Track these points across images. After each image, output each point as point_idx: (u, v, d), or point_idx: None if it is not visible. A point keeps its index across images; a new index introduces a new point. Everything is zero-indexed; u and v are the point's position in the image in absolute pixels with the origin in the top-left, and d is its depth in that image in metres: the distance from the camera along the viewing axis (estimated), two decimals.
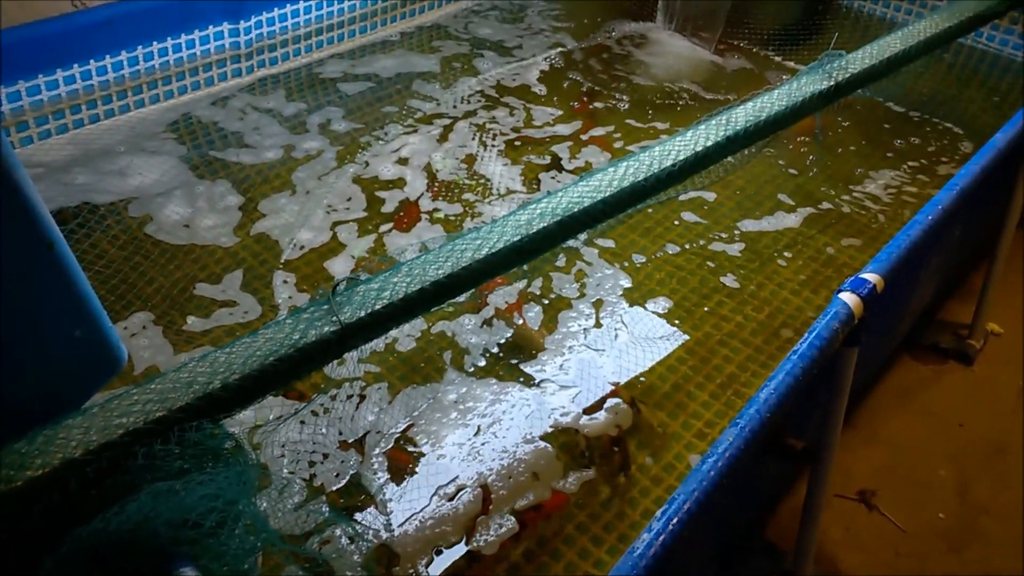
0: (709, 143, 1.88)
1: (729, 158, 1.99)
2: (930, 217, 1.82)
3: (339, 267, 2.73)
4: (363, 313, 1.46)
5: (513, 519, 2.06)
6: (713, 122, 1.94)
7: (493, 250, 1.61)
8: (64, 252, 1.28)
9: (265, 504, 1.68)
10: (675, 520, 1.18)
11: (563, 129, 3.44)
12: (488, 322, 2.56)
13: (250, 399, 1.35)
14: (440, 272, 1.55)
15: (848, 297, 1.55)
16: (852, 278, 1.60)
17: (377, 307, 1.47)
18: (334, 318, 1.43)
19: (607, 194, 1.74)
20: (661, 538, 1.15)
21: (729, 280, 2.77)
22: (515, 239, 1.64)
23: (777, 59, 4.02)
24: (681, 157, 1.84)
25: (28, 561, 1.14)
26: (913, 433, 2.44)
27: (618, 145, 3.36)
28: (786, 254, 2.89)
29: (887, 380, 2.60)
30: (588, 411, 2.32)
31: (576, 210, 1.71)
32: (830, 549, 2.13)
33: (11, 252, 1.22)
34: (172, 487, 1.15)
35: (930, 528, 2.20)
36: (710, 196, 3.11)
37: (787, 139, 3.42)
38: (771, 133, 2.01)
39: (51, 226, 1.25)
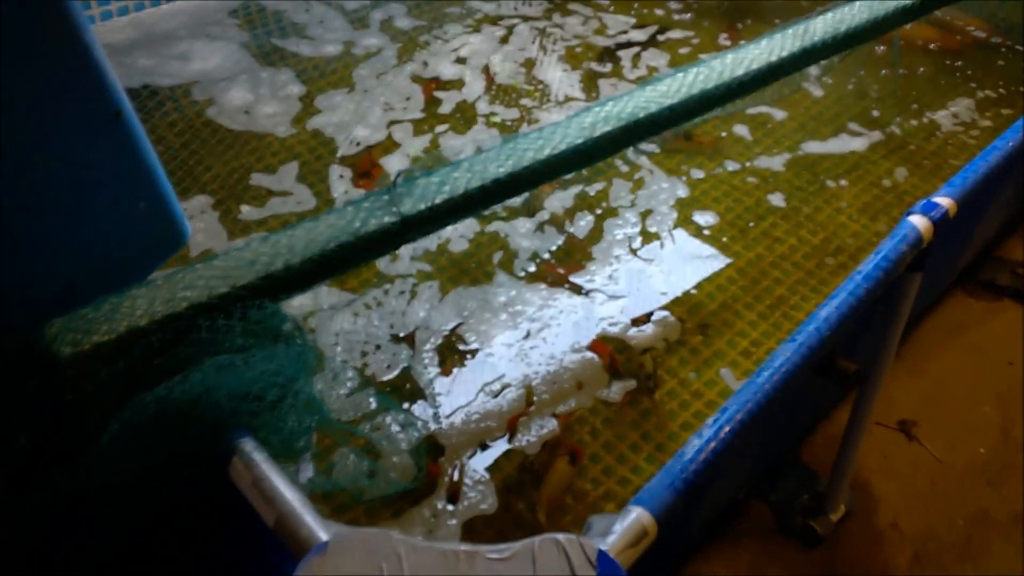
0: (784, 54, 1.81)
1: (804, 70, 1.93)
2: (1011, 143, 1.75)
3: (394, 165, 2.72)
4: (423, 206, 1.45)
5: (555, 421, 2.09)
6: (789, 32, 1.87)
7: (555, 151, 1.58)
8: (132, 122, 1.26)
9: (320, 387, 1.72)
10: (727, 428, 1.18)
11: (628, 36, 3.35)
12: (541, 227, 2.55)
13: (310, 283, 1.37)
14: (501, 170, 1.53)
15: (918, 220, 1.51)
16: (924, 201, 1.56)
17: (437, 201, 1.46)
18: (394, 209, 1.43)
19: (674, 100, 1.70)
20: (712, 444, 1.16)
21: (785, 201, 2.72)
22: (578, 142, 1.61)
23: None
24: (754, 67, 1.78)
25: (94, 423, 1.17)
26: (961, 368, 2.41)
27: (684, 51, 3.27)
28: (845, 180, 2.81)
29: (939, 313, 2.55)
30: (636, 322, 2.32)
31: (641, 115, 1.67)
32: (865, 475, 2.13)
33: (78, 118, 1.20)
34: (233, 361, 1.18)
35: (969, 462, 2.18)
36: (777, 113, 3.03)
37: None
38: (849, 47, 1.93)
39: (120, 94, 1.23)
